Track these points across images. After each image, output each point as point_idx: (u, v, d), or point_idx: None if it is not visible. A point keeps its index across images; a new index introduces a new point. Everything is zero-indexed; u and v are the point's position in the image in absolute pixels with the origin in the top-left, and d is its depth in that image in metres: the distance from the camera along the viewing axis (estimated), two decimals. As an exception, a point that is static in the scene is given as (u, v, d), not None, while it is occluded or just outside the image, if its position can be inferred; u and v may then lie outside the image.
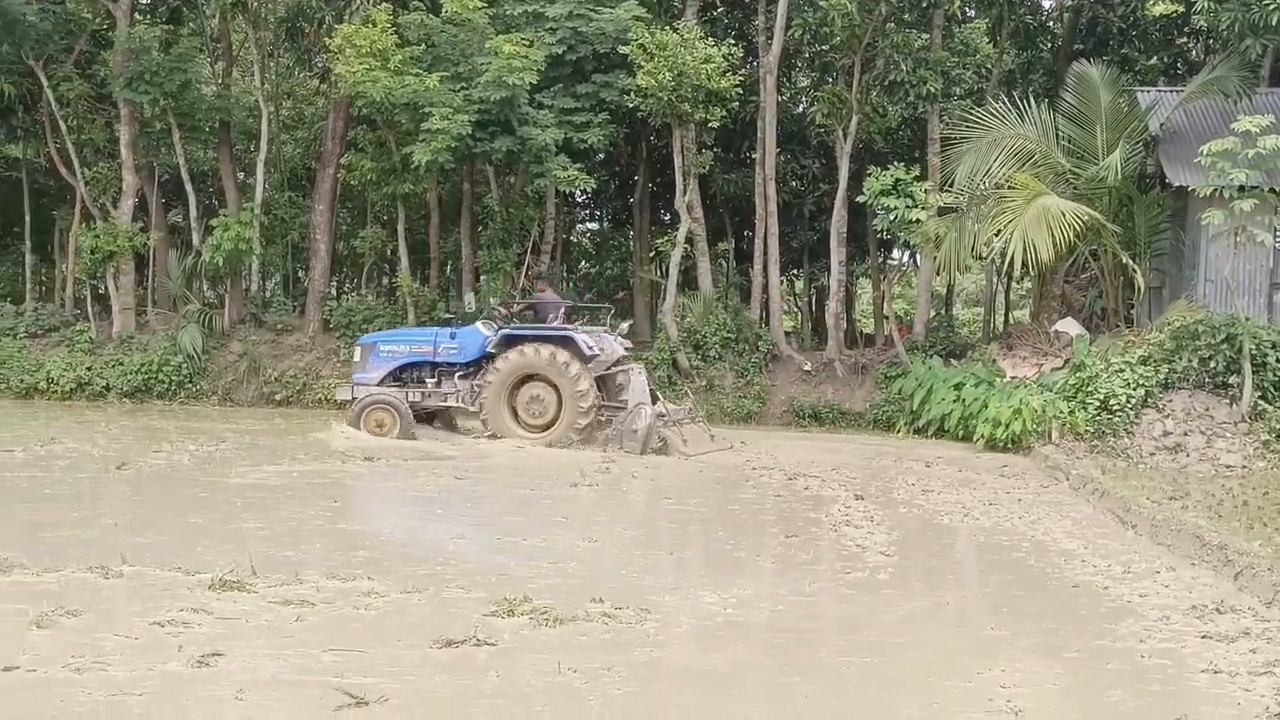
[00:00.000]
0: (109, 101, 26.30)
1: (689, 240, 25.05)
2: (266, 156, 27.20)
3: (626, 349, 19.59)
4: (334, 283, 29.34)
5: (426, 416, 19.59)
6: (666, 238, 25.82)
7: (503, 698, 6.24)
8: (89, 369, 24.93)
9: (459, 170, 25.33)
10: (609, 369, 18.82)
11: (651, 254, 28.58)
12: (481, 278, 25.98)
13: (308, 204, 28.71)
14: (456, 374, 19.31)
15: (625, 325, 20.90)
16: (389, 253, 29.69)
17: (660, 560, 10.59)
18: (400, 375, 19.52)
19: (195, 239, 26.84)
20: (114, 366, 24.96)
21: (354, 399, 19.40)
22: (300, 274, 29.92)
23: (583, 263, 35.19)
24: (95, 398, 24.30)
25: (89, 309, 26.73)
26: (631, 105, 23.42)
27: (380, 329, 25.32)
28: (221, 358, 25.53)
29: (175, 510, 12.06)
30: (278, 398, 24.83)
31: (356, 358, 20.22)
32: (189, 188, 26.97)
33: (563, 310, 19.83)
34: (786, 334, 27.02)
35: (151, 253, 27.26)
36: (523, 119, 22.82)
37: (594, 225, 36.59)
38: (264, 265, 28.51)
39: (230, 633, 7.22)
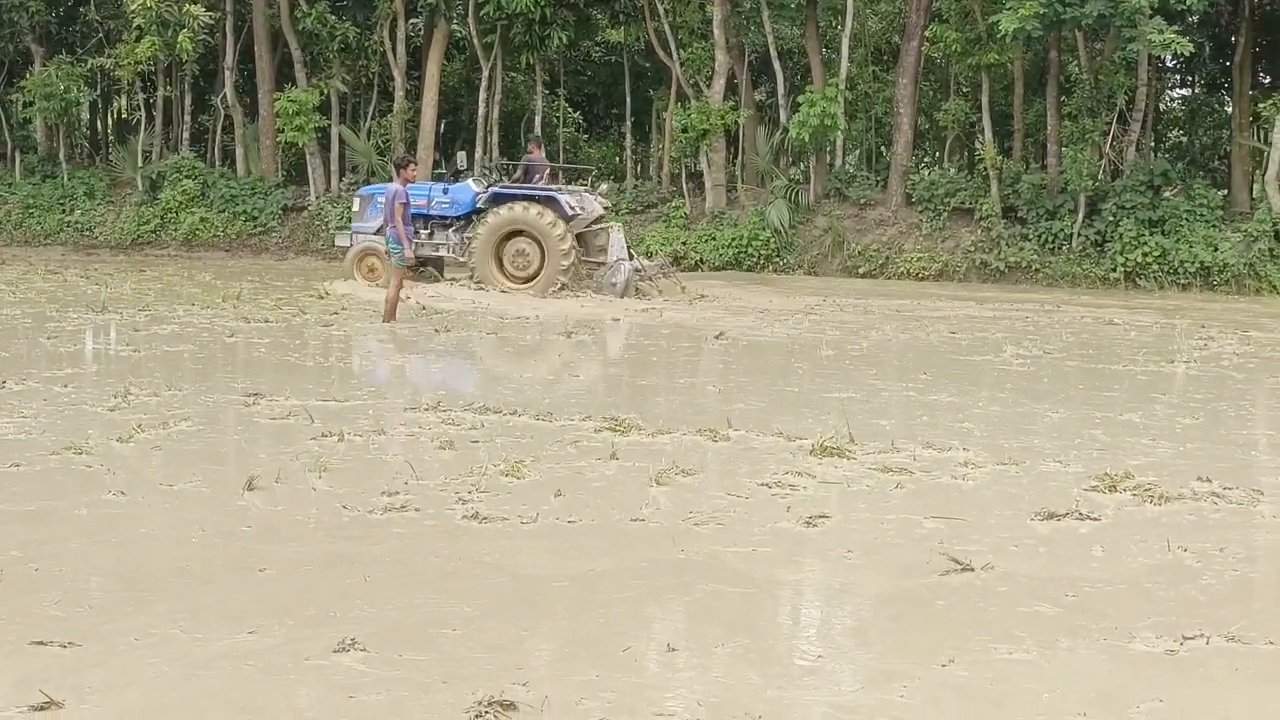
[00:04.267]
0: (699, -18, 27.36)
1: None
2: (851, 31, 27.30)
3: (605, 209, 21.19)
4: (916, 156, 29.16)
5: (420, 265, 20.17)
6: (1271, 101, 23.64)
7: (1108, 573, 6.03)
8: (684, 243, 26.36)
9: (1045, 37, 24.28)
10: (588, 227, 20.13)
11: (1251, 119, 26.29)
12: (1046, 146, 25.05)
13: (891, 78, 28.64)
14: (449, 227, 20.62)
15: (604, 186, 23.03)
16: (971, 125, 29.12)
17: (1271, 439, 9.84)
18: None
19: (782, 116, 27.50)
20: (706, 241, 26.25)
21: (351, 246, 20.94)
22: (883, 149, 29.99)
23: (1173, 131, 32.90)
24: (688, 271, 25.65)
25: (683, 186, 28.18)
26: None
27: (963, 202, 25.10)
28: (807, 232, 26.20)
29: (770, 378, 12.55)
30: (860, 271, 25.21)
31: (356, 208, 21.56)
32: (776, 65, 27.61)
33: (547, 171, 21.39)
34: None
35: (741, 130, 28.25)
36: (1113, -21, 21.51)
37: (1184, 91, 34.04)
38: (847, 140, 28.79)
39: (833, 496, 7.43)
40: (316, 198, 29.53)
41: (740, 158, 29.08)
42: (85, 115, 35.26)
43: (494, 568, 5.97)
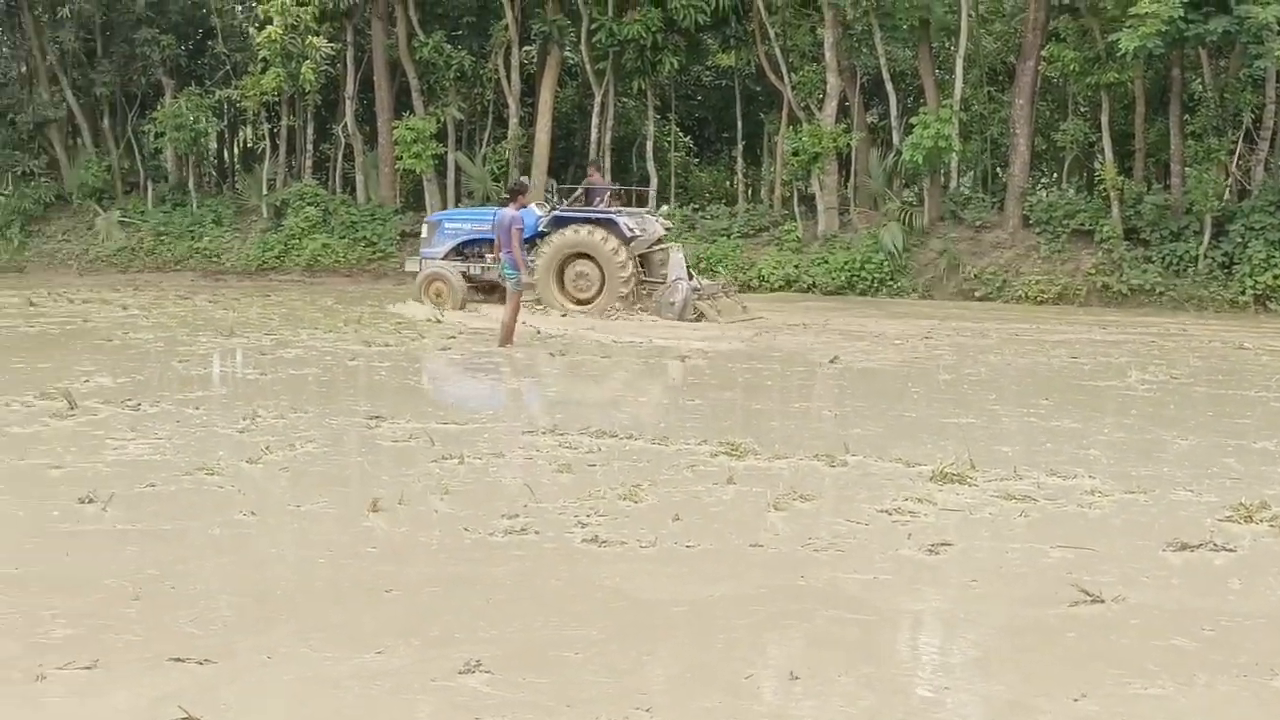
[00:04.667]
0: (814, 6, 27.33)
1: None
2: (965, 52, 27.06)
3: (666, 229, 21.39)
4: (1033, 177, 28.79)
5: (489, 288, 20.86)
6: None
7: (1246, 607, 5.88)
8: (796, 267, 26.28)
9: (1167, 55, 23.82)
10: (650, 248, 20.44)
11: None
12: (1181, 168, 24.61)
13: (1006, 99, 28.33)
14: None
15: (665, 209, 23.67)
16: (1090, 145, 28.68)
17: None
18: (463, 250, 21.47)
19: (895, 138, 27.32)
20: (819, 265, 26.15)
21: (419, 271, 21.45)
22: (999, 170, 29.66)
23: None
24: (802, 294, 25.56)
25: (795, 209, 28.11)
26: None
27: (1082, 224, 24.76)
28: (921, 255, 25.97)
29: (887, 403, 12.45)
30: (976, 294, 24.92)
31: (424, 234, 22.18)
32: (889, 87, 27.45)
33: (609, 194, 21.47)
34: None
35: (853, 153, 28.14)
36: (1239, -5, 21.07)
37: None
38: (962, 162, 28.52)
39: (955, 523, 7.35)
40: (433, 223, 30.01)
41: (853, 180, 28.94)
42: (213, 145, 36.24)
43: (614, 592, 6.00)
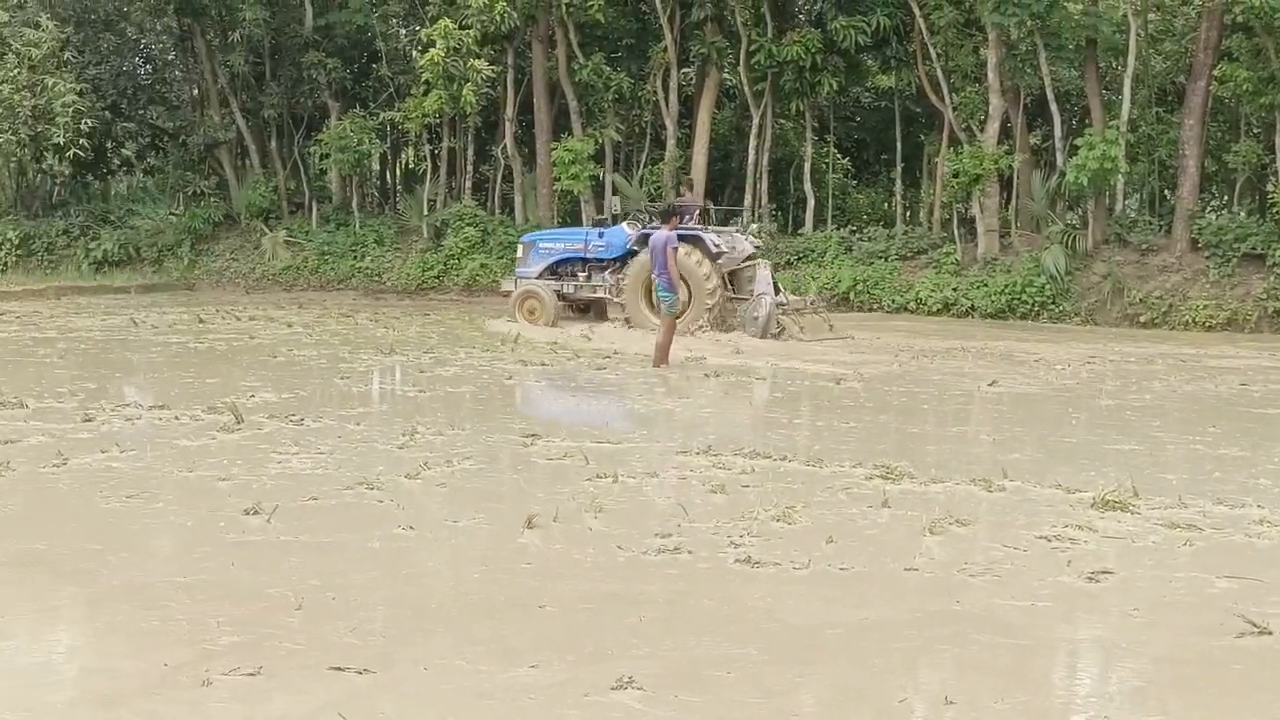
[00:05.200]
0: (977, 27, 26.94)
1: None
2: (1134, 72, 26.42)
3: (756, 247, 21.56)
4: (1202, 199, 27.93)
5: (584, 307, 22.15)
6: None
7: None
8: (955, 289, 25.90)
9: (1348, 72, 22.98)
10: (740, 265, 20.75)
11: None
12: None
13: (1175, 119, 27.55)
14: (605, 269, 21.62)
15: (755, 226, 24.08)
16: (1263, 167, 27.74)
17: None
18: (556, 270, 22.14)
19: (1059, 159, 26.76)
20: (979, 287, 25.71)
21: (514, 290, 22.19)
22: (1166, 192, 28.87)
23: None
24: (960, 317, 25.18)
25: (955, 231, 27.71)
26: None
27: (1254, 248, 23.98)
28: (1084, 279, 25.35)
29: (1046, 428, 12.21)
30: (1141, 319, 24.22)
31: (519, 254, 22.88)
32: (1054, 108, 26.92)
33: (698, 212, 21.63)
34: None
35: (1015, 174, 27.65)
36: None
37: None
38: (1128, 184, 27.81)
39: (1116, 551, 7.17)
40: (591, 244, 30.30)
41: (1014, 202, 28.40)
42: (375, 166, 37.13)
43: (766, 613, 6.00)
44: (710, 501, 8.29)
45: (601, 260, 21.79)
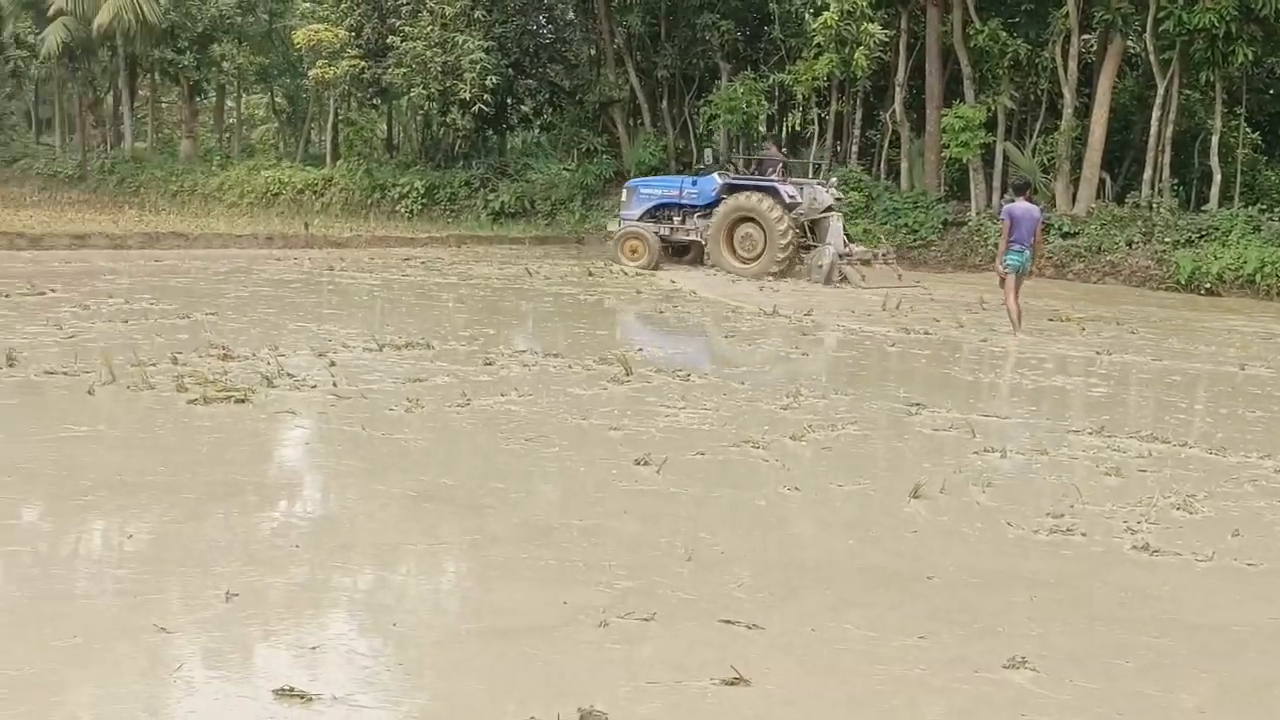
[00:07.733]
0: None
1: None
2: None
3: (836, 199, 23.45)
4: None
5: (681, 250, 24.17)
6: None
7: None
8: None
9: None
10: (821, 215, 22.65)
11: None
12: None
13: None
14: (697, 214, 23.83)
15: (834, 179, 26.18)
16: None
17: None
18: (655, 213, 24.30)
19: None
20: None
21: (619, 230, 24.26)
22: None
23: None
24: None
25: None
26: None
27: None
28: None
29: None
30: None
31: (624, 198, 24.98)
32: None
33: (780, 165, 23.86)
34: None
35: None
36: None
37: None
38: None
39: None
40: (977, 213, 29.49)
41: None
42: (762, 129, 37.43)
43: (1168, 603, 5.75)
44: (1104, 484, 7.97)
45: (694, 206, 23.97)
